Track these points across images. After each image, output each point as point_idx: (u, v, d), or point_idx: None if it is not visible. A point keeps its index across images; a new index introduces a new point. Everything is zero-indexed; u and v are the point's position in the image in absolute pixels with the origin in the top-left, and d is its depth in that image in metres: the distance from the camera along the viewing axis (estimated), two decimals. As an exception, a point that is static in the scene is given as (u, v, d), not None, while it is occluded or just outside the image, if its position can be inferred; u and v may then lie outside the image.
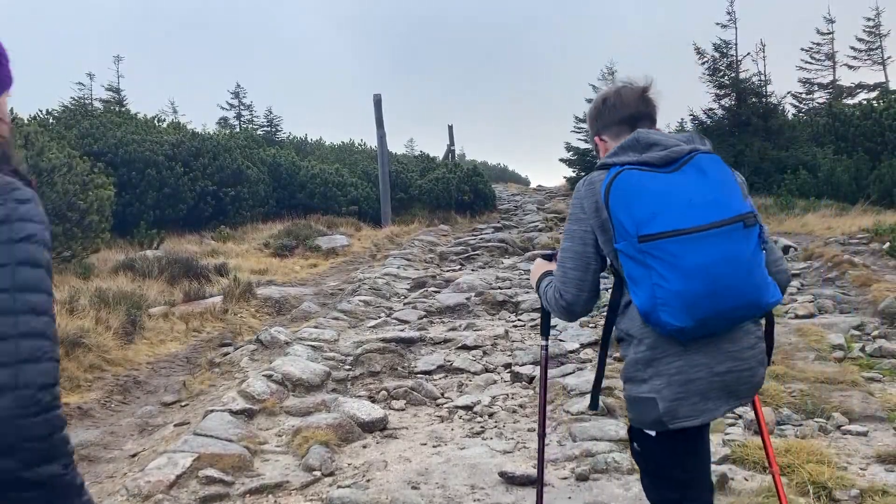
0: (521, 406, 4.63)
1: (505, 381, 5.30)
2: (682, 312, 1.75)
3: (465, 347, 6.12)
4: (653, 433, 1.90)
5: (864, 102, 20.32)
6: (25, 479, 1.09)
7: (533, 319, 7.27)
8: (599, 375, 2.13)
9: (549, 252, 2.31)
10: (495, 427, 4.27)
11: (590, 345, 5.95)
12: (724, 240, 1.76)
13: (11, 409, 1.07)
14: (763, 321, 1.95)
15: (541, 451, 2.46)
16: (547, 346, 2.50)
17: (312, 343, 6.14)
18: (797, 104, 32.40)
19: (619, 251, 1.81)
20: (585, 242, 1.93)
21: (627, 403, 2.00)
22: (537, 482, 2.48)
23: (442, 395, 5.04)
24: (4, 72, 1.31)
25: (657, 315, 1.77)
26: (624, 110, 2.03)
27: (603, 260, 1.94)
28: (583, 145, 32.37)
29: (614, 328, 1.99)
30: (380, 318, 7.60)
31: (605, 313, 2.05)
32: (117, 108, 23.17)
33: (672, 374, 1.82)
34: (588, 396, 4.18)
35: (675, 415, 1.82)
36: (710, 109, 18.40)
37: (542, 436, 2.43)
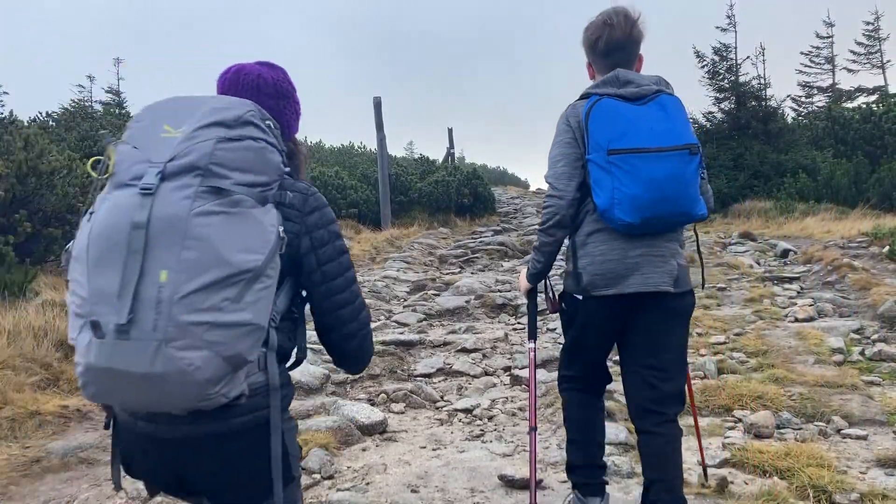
0: (520, 409, 4.62)
1: (504, 385, 5.30)
2: (632, 211, 2.24)
3: (465, 350, 6.12)
4: (580, 297, 2.44)
5: (864, 106, 20.33)
6: None
7: (532, 322, 7.27)
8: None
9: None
10: (495, 430, 4.27)
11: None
12: (673, 161, 2.24)
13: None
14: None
15: (532, 447, 2.65)
16: (535, 348, 2.78)
17: (311, 345, 6.14)
18: (797, 107, 32.52)
19: (590, 160, 2.30)
20: (573, 145, 2.38)
21: (564, 275, 2.52)
22: (530, 479, 2.61)
23: (441, 398, 5.04)
24: (295, 102, 1.77)
25: (612, 212, 2.26)
26: (610, 53, 2.45)
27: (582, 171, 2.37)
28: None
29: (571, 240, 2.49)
30: (379, 320, 7.60)
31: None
32: (117, 111, 23.19)
33: (595, 255, 2.37)
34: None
35: (594, 285, 2.38)
36: (710, 113, 18.45)
37: (532, 430, 2.68)
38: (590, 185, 2.34)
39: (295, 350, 1.62)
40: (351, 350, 1.66)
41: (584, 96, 2.40)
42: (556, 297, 2.67)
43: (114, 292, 1.29)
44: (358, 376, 5.46)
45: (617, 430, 3.87)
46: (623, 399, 3.45)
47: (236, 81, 1.70)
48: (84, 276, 1.35)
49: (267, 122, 1.51)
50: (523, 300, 7.81)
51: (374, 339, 6.19)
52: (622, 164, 2.22)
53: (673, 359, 2.48)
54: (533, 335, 2.77)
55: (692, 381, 4.81)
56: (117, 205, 1.35)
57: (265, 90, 1.70)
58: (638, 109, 2.28)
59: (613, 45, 2.43)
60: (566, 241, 2.52)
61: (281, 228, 1.44)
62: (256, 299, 1.36)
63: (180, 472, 1.52)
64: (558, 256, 2.58)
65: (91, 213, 1.39)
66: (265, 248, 1.38)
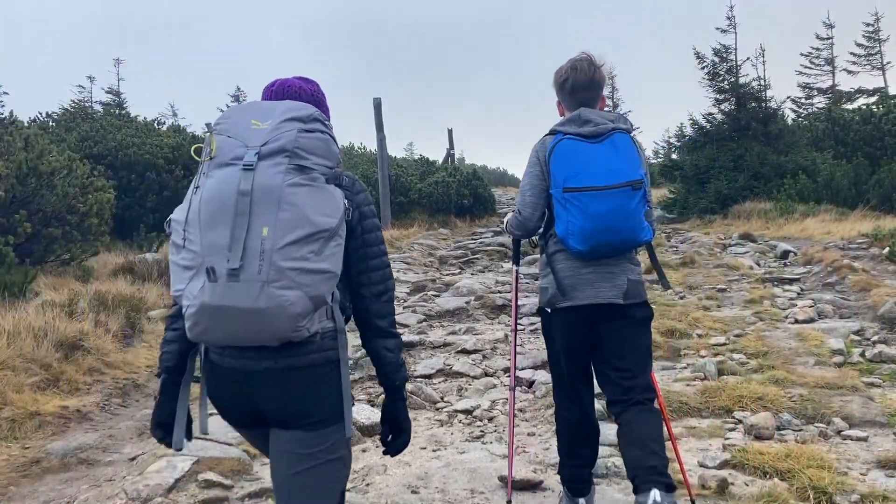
0: (520, 410, 4.62)
1: (505, 385, 5.29)
2: (582, 241, 2.63)
3: (465, 351, 6.11)
4: (548, 310, 2.82)
5: (864, 107, 20.32)
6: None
7: (533, 324, 7.27)
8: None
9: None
10: (495, 431, 4.27)
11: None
12: (616, 197, 2.59)
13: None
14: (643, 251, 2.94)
15: (512, 378, 3.26)
16: (518, 270, 3.38)
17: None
18: (797, 109, 32.55)
19: (552, 194, 2.70)
20: (539, 177, 2.78)
21: (539, 291, 2.90)
22: (509, 415, 3.05)
23: (441, 398, 5.03)
24: (326, 108, 2.16)
25: (567, 241, 2.68)
26: (575, 92, 2.82)
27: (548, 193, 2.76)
28: (582, 149, 32.37)
29: (541, 247, 2.95)
30: (379, 321, 7.59)
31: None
32: (117, 111, 23.19)
33: (558, 273, 2.76)
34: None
35: (556, 298, 2.76)
36: (710, 114, 18.40)
37: (514, 354, 3.28)
38: (553, 215, 2.78)
39: (347, 306, 1.97)
40: (378, 305, 1.98)
41: (552, 132, 2.78)
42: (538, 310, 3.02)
43: (225, 245, 1.67)
44: (358, 377, 5.46)
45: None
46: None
47: (281, 92, 2.10)
48: (197, 233, 1.71)
49: (327, 122, 1.90)
50: (523, 301, 7.82)
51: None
52: (574, 200, 2.62)
53: (635, 360, 2.73)
54: (517, 260, 3.36)
55: (693, 382, 4.81)
56: (223, 179, 1.73)
57: (304, 98, 2.09)
58: (592, 147, 2.65)
59: (578, 86, 2.80)
60: (539, 257, 3.02)
61: (346, 202, 1.82)
62: (332, 253, 1.75)
63: (257, 404, 1.83)
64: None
65: (197, 188, 1.77)
66: (337, 214, 1.77)
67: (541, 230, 2.91)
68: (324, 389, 1.84)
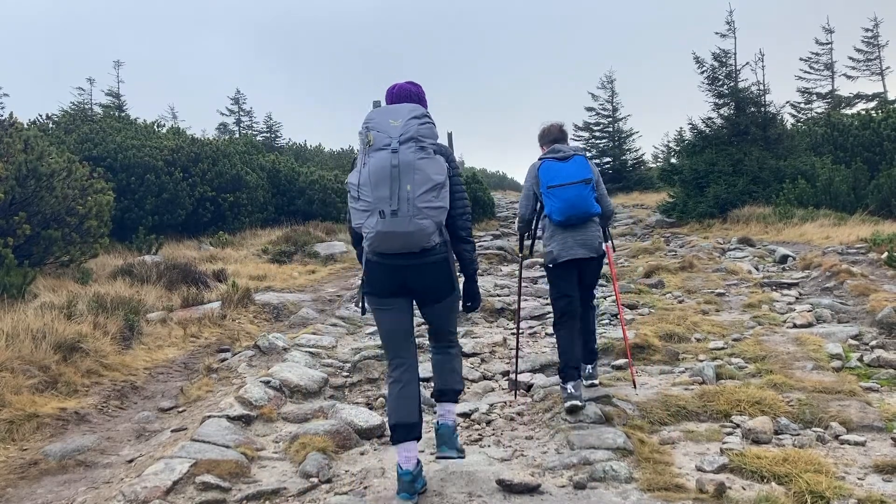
0: (518, 414, 4.62)
1: (503, 389, 5.30)
2: (559, 214, 4.45)
3: (463, 355, 6.10)
4: (551, 265, 4.62)
5: (863, 112, 20.37)
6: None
7: (531, 327, 7.28)
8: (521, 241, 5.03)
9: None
10: (493, 435, 4.27)
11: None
12: (577, 188, 4.44)
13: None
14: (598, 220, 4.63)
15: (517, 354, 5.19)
16: (522, 257, 5.09)
17: (310, 349, 6.14)
18: (796, 114, 32.55)
19: (543, 192, 4.53)
20: (531, 189, 4.68)
21: (545, 255, 4.67)
22: (513, 372, 4.70)
23: (440, 402, 5.02)
24: (425, 103, 3.49)
25: (552, 216, 4.50)
26: (549, 137, 4.79)
27: (537, 199, 4.68)
28: (582, 153, 32.41)
29: (540, 226, 4.79)
30: (378, 324, 7.59)
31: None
32: (117, 114, 23.20)
33: (558, 240, 4.54)
34: (587, 404, 4.21)
35: (558, 257, 4.53)
36: (709, 118, 18.42)
37: (517, 333, 5.34)
38: (543, 203, 4.62)
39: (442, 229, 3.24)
40: (461, 221, 3.35)
41: (541, 158, 4.67)
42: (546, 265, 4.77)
43: (387, 197, 3.02)
44: (357, 380, 5.46)
45: (615, 436, 3.87)
46: (622, 404, 4.52)
47: (400, 94, 3.39)
48: (368, 191, 3.05)
49: (429, 114, 3.22)
50: (522, 305, 7.82)
51: (373, 343, 6.23)
52: (553, 192, 4.49)
53: (593, 284, 4.87)
54: (521, 248, 5.00)
55: (691, 386, 4.82)
56: (380, 157, 3.05)
57: (414, 98, 3.40)
58: (563, 164, 4.54)
59: (552, 139, 4.78)
60: (541, 233, 4.80)
61: (447, 165, 3.19)
62: (443, 196, 3.12)
63: (405, 282, 3.24)
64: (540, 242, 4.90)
65: (364, 164, 3.08)
66: (444, 172, 3.13)
67: (534, 220, 4.80)
68: (444, 276, 3.28)
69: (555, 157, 4.54)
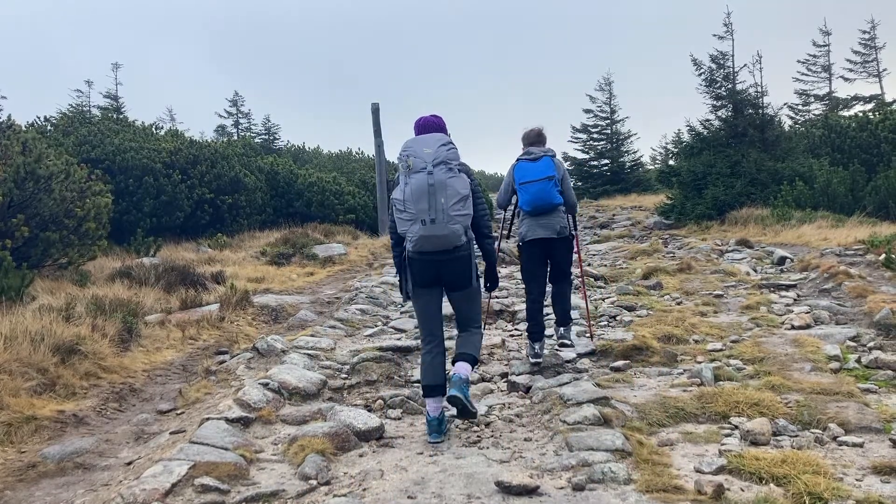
0: (517, 416, 4.62)
1: (501, 391, 5.30)
2: (527, 206, 5.60)
3: (462, 356, 6.10)
4: (520, 243, 5.80)
5: (860, 114, 20.41)
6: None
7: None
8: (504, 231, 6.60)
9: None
10: (492, 437, 4.27)
11: (587, 355, 5.96)
12: (542, 184, 5.52)
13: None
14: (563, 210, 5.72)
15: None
16: (499, 243, 6.35)
17: (309, 352, 6.13)
18: (793, 115, 32.64)
19: (516, 187, 5.67)
20: (510, 184, 5.75)
21: (517, 234, 5.91)
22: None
23: (438, 404, 5.02)
24: (446, 131, 4.50)
25: (522, 206, 5.68)
26: (528, 140, 5.80)
27: (514, 191, 5.75)
28: (580, 155, 32.46)
29: (514, 215, 6.13)
30: (376, 326, 7.60)
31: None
32: (115, 116, 23.18)
33: (526, 224, 5.71)
34: (585, 406, 4.21)
35: (526, 236, 5.71)
36: (707, 120, 18.46)
37: (509, 227, 6.57)
38: (517, 197, 5.69)
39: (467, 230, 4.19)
40: (483, 222, 4.30)
41: (518, 159, 5.69)
42: (517, 247, 5.90)
43: (426, 209, 4.00)
44: (355, 382, 5.46)
45: (614, 437, 3.87)
46: (620, 406, 4.53)
47: (426, 126, 4.32)
48: (412, 205, 4.02)
49: (452, 140, 4.19)
50: (520, 307, 7.86)
51: (372, 346, 6.24)
52: (523, 188, 5.57)
53: (564, 261, 5.79)
54: (509, 236, 6.48)
55: (689, 388, 4.83)
56: (419, 179, 4.01)
57: (437, 129, 4.31)
58: (533, 164, 5.57)
59: (529, 142, 5.78)
60: (516, 220, 6.05)
61: (470, 182, 4.16)
62: (469, 205, 4.12)
63: (439, 274, 4.19)
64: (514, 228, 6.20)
65: (406, 184, 4.05)
66: (468, 187, 4.12)
67: (506, 206, 6.00)
68: (468, 268, 4.20)
69: (527, 159, 5.61)
